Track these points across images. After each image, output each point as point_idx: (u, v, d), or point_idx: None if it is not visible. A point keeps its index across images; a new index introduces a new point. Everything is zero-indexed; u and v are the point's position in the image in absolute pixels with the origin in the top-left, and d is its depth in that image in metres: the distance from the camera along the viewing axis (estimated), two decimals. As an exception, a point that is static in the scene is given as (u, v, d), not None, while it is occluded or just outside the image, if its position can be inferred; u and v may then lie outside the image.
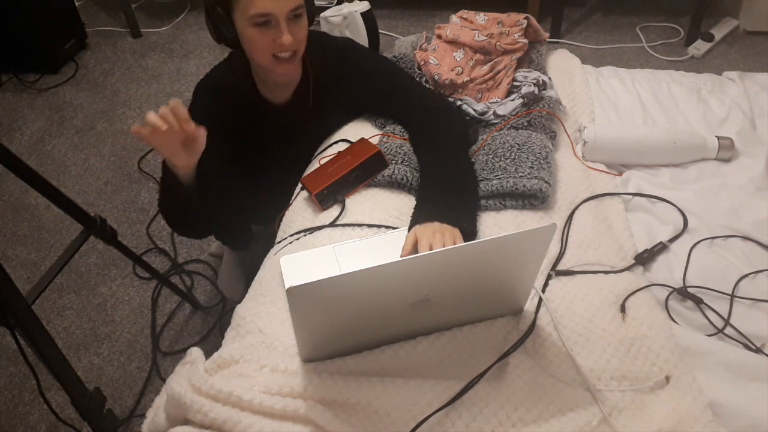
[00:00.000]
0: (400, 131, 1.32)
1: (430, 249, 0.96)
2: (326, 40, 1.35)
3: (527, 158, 1.21)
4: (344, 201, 1.19)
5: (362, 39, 2.44)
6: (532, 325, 0.97)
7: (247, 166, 1.38)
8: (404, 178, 1.20)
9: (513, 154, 1.22)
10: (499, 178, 1.18)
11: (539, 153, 1.22)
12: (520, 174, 1.18)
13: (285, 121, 1.34)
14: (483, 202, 1.18)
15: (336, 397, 0.87)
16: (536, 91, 1.37)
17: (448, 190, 1.13)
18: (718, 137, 1.33)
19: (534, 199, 1.17)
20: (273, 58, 1.17)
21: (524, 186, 1.15)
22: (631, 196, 1.24)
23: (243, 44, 1.18)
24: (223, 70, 1.31)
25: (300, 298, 0.77)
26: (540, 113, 1.33)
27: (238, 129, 1.31)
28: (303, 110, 1.33)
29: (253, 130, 1.32)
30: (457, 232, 1.02)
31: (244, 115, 1.30)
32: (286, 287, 0.74)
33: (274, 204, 1.33)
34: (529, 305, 1.00)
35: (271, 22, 1.13)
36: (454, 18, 1.61)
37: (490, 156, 1.24)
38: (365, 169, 1.21)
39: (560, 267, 1.08)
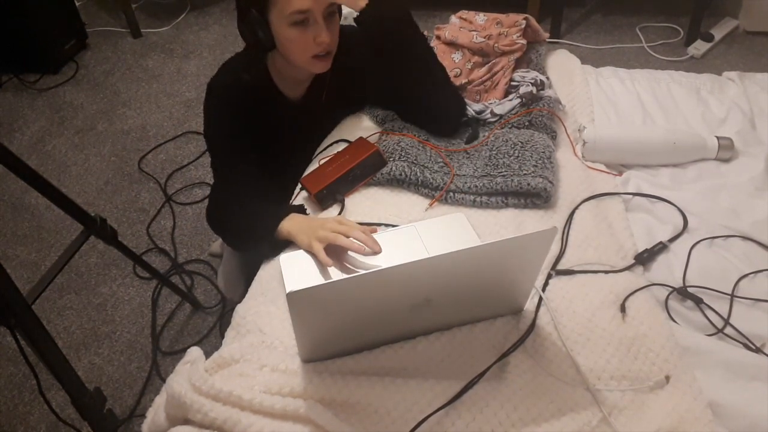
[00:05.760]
0: (399, 127, 1.32)
1: None
2: (346, 31, 1.34)
3: (531, 156, 1.21)
4: (344, 200, 1.19)
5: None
6: (532, 324, 0.97)
7: (262, 165, 1.38)
8: (402, 173, 1.20)
9: (517, 151, 1.22)
10: (504, 176, 1.18)
11: (543, 152, 1.22)
12: (524, 172, 1.17)
13: (299, 116, 1.36)
14: (485, 199, 1.18)
15: (336, 397, 0.87)
16: (534, 91, 1.37)
17: None
18: (717, 137, 1.33)
19: (537, 198, 1.17)
20: (312, 57, 1.18)
21: (528, 184, 1.15)
22: (631, 196, 1.24)
23: (280, 45, 1.19)
24: (234, 68, 1.30)
25: (300, 302, 0.78)
26: (541, 112, 1.33)
27: (255, 125, 1.32)
28: (315, 105, 1.36)
29: (269, 126, 1.33)
30: None
31: (262, 111, 1.31)
32: (287, 291, 0.75)
33: (283, 200, 1.34)
34: (529, 305, 1.00)
35: (309, 20, 1.14)
36: (453, 18, 1.60)
37: (494, 152, 1.24)
38: (364, 168, 1.21)
39: (560, 266, 1.08)
